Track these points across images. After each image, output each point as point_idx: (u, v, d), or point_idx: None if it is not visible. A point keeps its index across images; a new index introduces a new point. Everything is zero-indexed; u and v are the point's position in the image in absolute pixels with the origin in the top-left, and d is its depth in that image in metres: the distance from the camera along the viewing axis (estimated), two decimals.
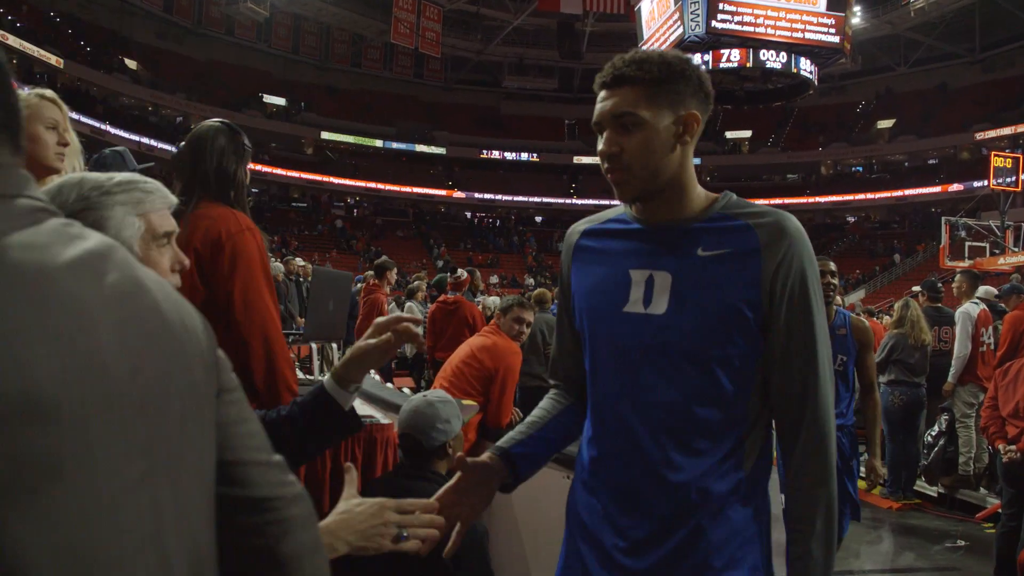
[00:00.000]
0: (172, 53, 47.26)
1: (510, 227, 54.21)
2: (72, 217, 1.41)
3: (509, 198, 53.47)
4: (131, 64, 44.73)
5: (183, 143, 2.91)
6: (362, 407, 3.74)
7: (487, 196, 53.26)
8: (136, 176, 1.64)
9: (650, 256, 1.78)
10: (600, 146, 1.76)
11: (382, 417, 3.65)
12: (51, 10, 41.67)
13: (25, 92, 2.72)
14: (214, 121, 2.93)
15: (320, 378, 3.65)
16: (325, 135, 50.03)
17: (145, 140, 38.12)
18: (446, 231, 52.24)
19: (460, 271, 9.63)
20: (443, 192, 53.29)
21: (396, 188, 51.75)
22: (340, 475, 3.22)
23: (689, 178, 1.78)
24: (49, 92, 2.88)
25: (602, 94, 1.79)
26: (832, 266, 4.73)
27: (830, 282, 4.65)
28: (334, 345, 4.00)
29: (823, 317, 1.75)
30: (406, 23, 43.29)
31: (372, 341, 1.87)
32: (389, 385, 6.42)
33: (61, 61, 38.18)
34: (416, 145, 52.58)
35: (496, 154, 53.77)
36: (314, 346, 3.83)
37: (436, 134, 53.50)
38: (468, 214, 55.11)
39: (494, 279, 41.08)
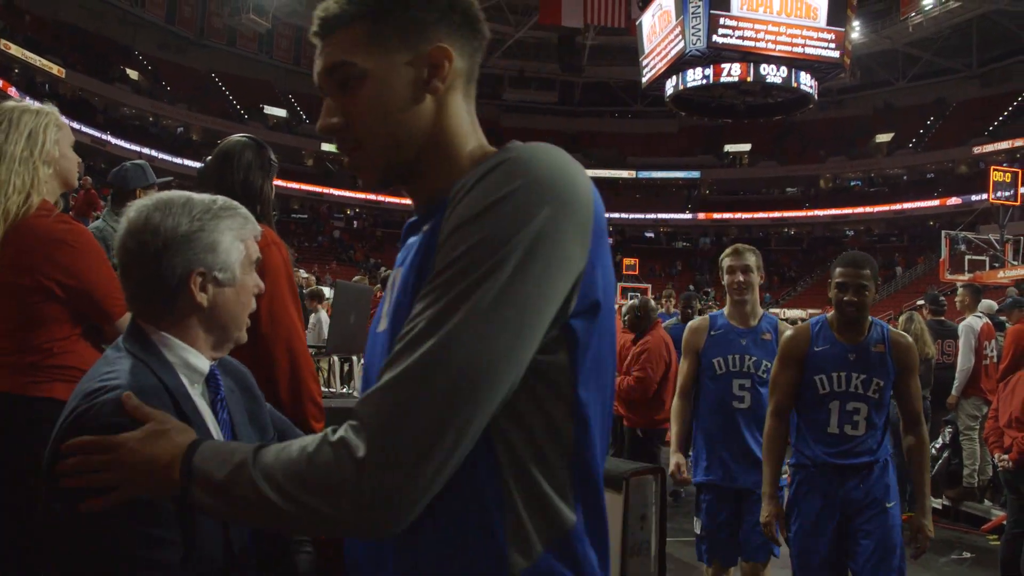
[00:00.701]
0: (174, 64, 47.44)
1: None
2: (186, 239, 1.51)
3: None
4: (133, 74, 44.91)
5: (210, 157, 2.96)
6: None
7: None
8: (231, 201, 1.67)
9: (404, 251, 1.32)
10: (319, 121, 1.31)
11: None
12: (54, 20, 41.82)
13: (48, 107, 2.74)
14: (241, 136, 2.99)
15: (343, 390, 3.70)
16: (326, 146, 50.13)
17: (146, 151, 38.11)
18: None
19: None
20: None
21: (396, 200, 51.86)
22: None
23: (454, 139, 1.25)
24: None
25: (317, 50, 1.27)
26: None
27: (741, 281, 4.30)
28: (354, 358, 4.05)
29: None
30: None
31: None
32: None
33: (63, 71, 38.31)
34: None
35: None
36: (336, 359, 3.89)
37: None
38: None
39: None
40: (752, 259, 4.42)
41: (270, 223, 2.88)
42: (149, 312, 1.56)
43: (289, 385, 2.68)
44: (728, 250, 4.61)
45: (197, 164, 40.88)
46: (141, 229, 1.53)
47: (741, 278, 4.34)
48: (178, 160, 39.88)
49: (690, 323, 4.68)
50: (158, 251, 1.51)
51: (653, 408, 6.69)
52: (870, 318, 3.69)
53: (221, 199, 1.64)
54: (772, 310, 10.60)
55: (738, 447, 4.21)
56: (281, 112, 50.67)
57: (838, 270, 3.69)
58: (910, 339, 3.70)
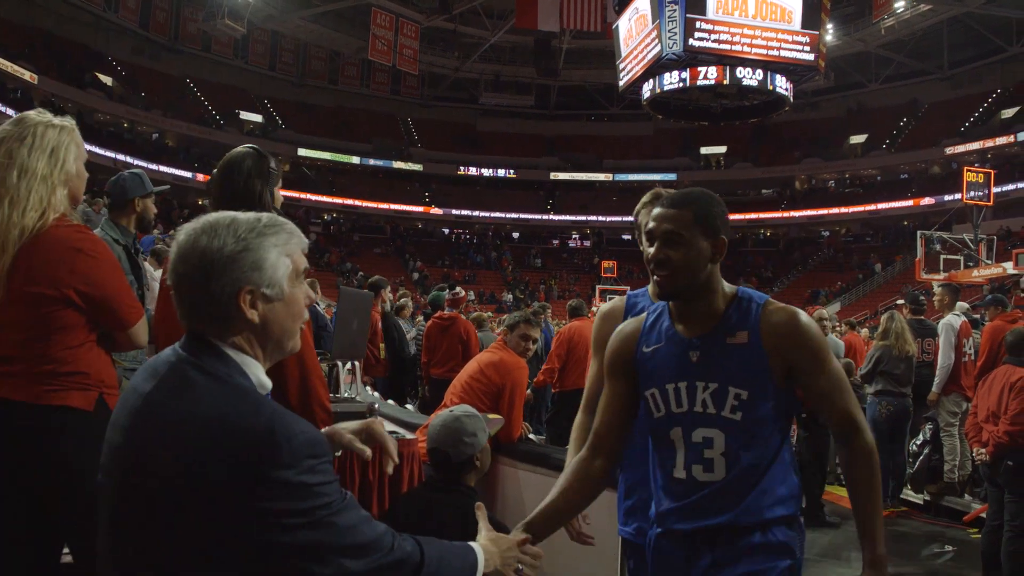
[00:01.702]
0: (148, 69, 47.05)
1: (487, 243, 54.32)
2: (231, 259, 1.61)
3: (486, 214, 53.64)
4: (106, 80, 44.48)
5: (216, 169, 3.01)
6: (388, 425, 3.85)
7: (464, 212, 53.38)
8: (278, 217, 1.75)
9: None
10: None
11: (406, 432, 3.76)
12: (25, 25, 41.33)
13: (69, 121, 2.76)
14: (245, 147, 3.05)
15: (347, 395, 3.76)
16: (302, 152, 49.95)
17: (121, 157, 37.69)
18: (424, 247, 52.27)
19: (458, 288, 9.73)
20: (420, 208, 53.36)
21: (373, 205, 51.78)
22: (367, 489, 3.34)
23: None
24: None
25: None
26: None
27: None
28: (356, 363, 4.11)
29: None
30: (384, 40, 43.39)
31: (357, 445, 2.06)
32: (409, 407, 6.53)
33: (35, 77, 37.80)
34: (393, 162, 52.64)
35: (473, 170, 53.90)
36: (341, 364, 3.94)
37: (413, 151, 53.60)
38: (446, 230, 55.15)
39: (471, 295, 41.12)
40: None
41: None
42: (212, 331, 1.63)
43: (299, 390, 2.74)
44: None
45: (173, 170, 40.78)
46: (189, 252, 1.61)
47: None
48: (154, 166, 39.55)
49: None
50: (207, 273, 1.59)
51: None
52: (729, 289, 2.34)
53: (266, 216, 1.72)
54: None
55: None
56: (257, 118, 50.41)
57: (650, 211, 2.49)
58: (795, 311, 2.29)
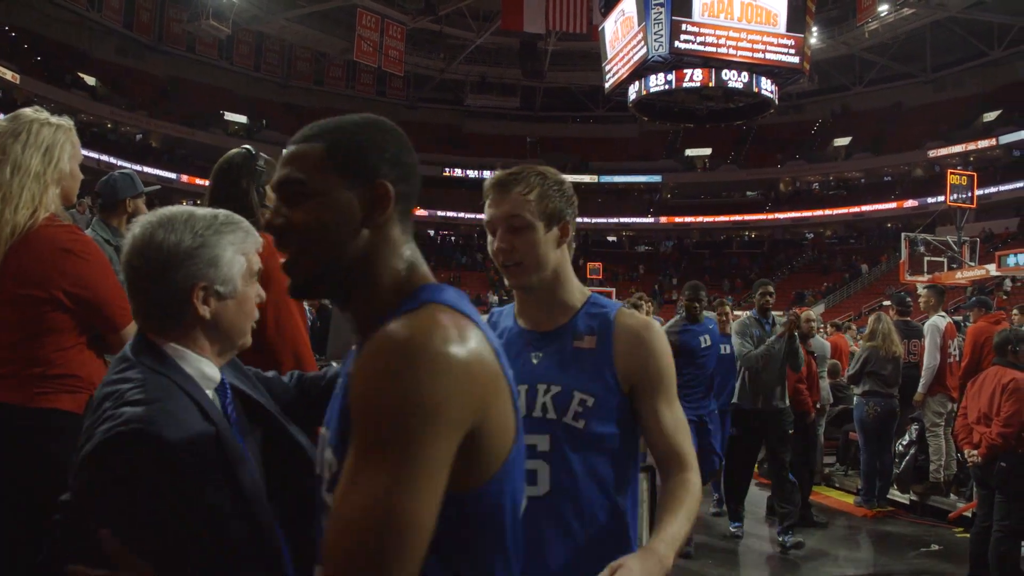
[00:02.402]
0: (132, 70, 46.81)
1: (473, 244, 54.31)
2: (188, 254, 1.58)
3: (472, 216, 53.63)
4: (90, 80, 44.22)
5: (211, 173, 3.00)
6: None
7: (450, 214, 53.34)
8: (234, 215, 1.74)
9: None
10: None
11: None
12: (7, 24, 41.05)
13: (66, 121, 2.73)
14: (238, 148, 3.04)
15: None
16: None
17: (105, 158, 37.44)
18: None
19: None
20: None
21: None
22: None
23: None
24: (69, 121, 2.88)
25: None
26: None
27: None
28: None
29: None
30: (369, 41, 43.33)
31: None
32: None
33: (17, 76, 37.54)
34: None
35: (459, 172, 53.89)
36: (335, 365, 3.93)
37: None
38: (431, 232, 55.12)
39: None
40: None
41: (260, 228, 2.91)
42: (157, 326, 1.62)
43: None
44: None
45: (158, 171, 40.52)
46: (146, 246, 1.60)
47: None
48: (138, 167, 39.29)
49: None
50: (162, 267, 1.58)
51: None
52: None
53: (223, 213, 1.71)
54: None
55: None
56: (242, 119, 50.24)
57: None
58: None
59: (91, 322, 2.62)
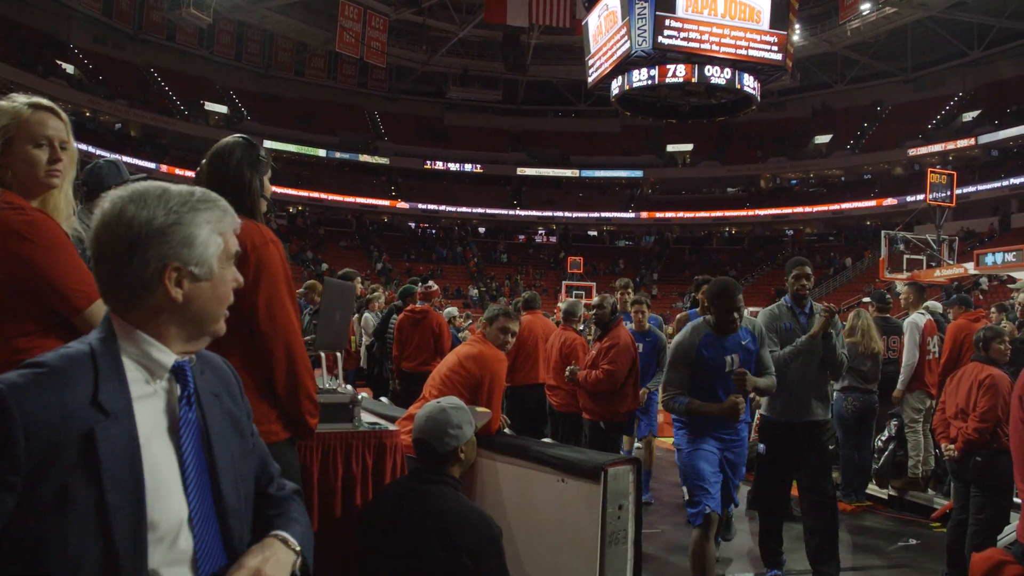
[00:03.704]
0: (111, 58, 46.41)
1: (453, 237, 54.26)
2: (160, 232, 1.50)
3: (452, 209, 53.58)
4: (68, 68, 43.79)
5: (205, 159, 2.97)
6: (367, 416, 3.84)
7: (431, 207, 53.29)
8: (210, 193, 1.65)
9: None
10: None
11: (388, 424, 3.76)
12: None
13: (17, 100, 2.68)
14: (234, 136, 3.02)
15: (330, 386, 3.74)
16: (268, 144, 49.46)
17: (83, 147, 37.13)
18: (390, 241, 52.12)
19: (430, 282, 9.72)
20: (386, 202, 53.22)
21: (339, 198, 51.46)
22: (351, 481, 3.33)
23: None
24: (45, 101, 2.82)
25: None
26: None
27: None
28: (339, 354, 4.10)
29: None
30: (351, 32, 43.16)
31: None
32: (384, 399, 6.52)
33: None
34: (359, 155, 52.45)
35: (440, 165, 53.84)
36: (324, 355, 3.92)
37: (380, 144, 53.39)
38: (412, 224, 55.01)
39: (434, 287, 41.05)
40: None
41: (259, 218, 2.90)
42: (121, 306, 1.54)
43: (286, 381, 2.72)
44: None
45: (137, 161, 40.19)
46: (115, 222, 1.51)
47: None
48: (117, 157, 38.91)
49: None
50: (132, 245, 1.50)
51: (617, 401, 6.92)
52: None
53: (200, 191, 1.62)
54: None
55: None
56: (222, 109, 49.95)
57: None
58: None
59: (51, 306, 2.56)
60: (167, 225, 1.51)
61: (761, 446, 5.82)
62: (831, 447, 5.81)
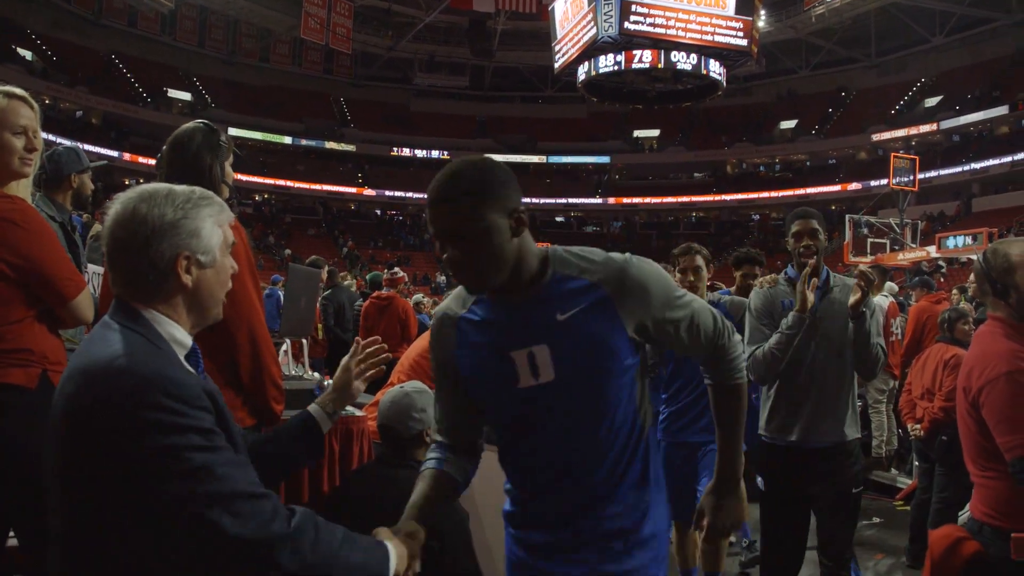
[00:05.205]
0: (71, 44, 45.54)
1: (421, 224, 54.06)
2: (172, 226, 1.70)
3: (420, 195, 53.26)
4: (26, 54, 42.97)
5: (165, 145, 2.95)
6: None
7: (398, 194, 53.00)
8: (208, 191, 1.84)
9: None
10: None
11: (356, 410, 3.74)
12: None
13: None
14: (195, 122, 2.99)
15: (296, 373, 3.72)
16: (233, 131, 48.74)
17: (44, 135, 36.41)
18: (357, 229, 51.80)
19: (396, 269, 9.68)
20: (353, 190, 52.91)
21: (305, 186, 51.05)
22: (318, 467, 3.32)
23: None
24: (19, 91, 2.84)
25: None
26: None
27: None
28: (304, 341, 4.07)
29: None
30: (316, 18, 42.81)
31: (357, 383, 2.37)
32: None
33: None
34: (325, 142, 52.02)
35: (407, 151, 53.56)
36: (290, 342, 3.90)
37: (346, 131, 53.00)
38: (379, 211, 54.74)
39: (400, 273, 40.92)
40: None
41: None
42: (140, 294, 1.72)
43: (251, 367, 2.70)
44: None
45: (99, 149, 39.60)
46: (129, 219, 1.70)
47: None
48: (78, 145, 38.38)
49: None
50: (148, 238, 1.69)
51: None
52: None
53: (199, 190, 1.82)
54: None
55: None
56: (186, 96, 49.30)
57: None
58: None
59: (38, 294, 2.57)
60: (177, 219, 1.71)
61: (760, 479, 3.93)
62: (856, 487, 3.82)
